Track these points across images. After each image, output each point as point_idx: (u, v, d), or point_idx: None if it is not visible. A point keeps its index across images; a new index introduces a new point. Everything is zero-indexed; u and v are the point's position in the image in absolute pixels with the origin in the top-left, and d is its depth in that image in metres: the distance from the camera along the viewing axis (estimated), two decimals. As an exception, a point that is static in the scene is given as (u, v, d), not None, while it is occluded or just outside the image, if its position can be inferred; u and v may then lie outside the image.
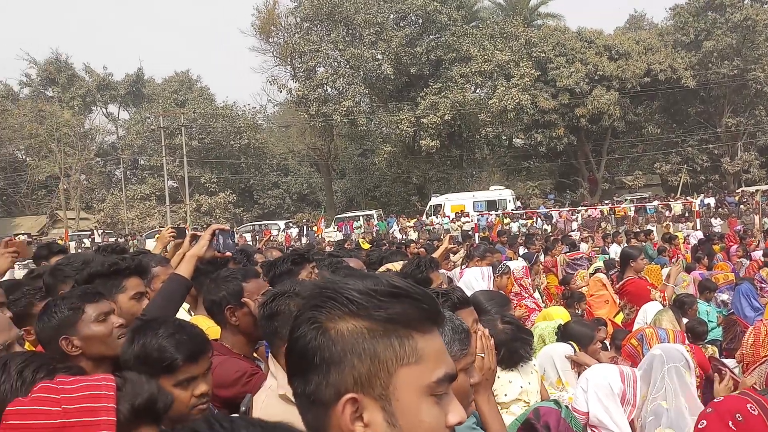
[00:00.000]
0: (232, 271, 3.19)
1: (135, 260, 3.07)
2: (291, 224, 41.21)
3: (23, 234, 41.89)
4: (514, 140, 49.02)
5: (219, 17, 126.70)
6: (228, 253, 2.94)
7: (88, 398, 1.42)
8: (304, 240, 34.87)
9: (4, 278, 4.06)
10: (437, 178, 45.68)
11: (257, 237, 35.11)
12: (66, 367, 1.80)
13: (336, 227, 37.42)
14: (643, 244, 13.14)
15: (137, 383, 1.53)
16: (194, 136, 48.68)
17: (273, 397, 2.16)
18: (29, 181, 51.46)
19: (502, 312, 3.54)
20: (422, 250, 9.49)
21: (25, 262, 11.89)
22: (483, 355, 2.15)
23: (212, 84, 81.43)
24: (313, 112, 41.72)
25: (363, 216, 39.51)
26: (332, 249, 12.25)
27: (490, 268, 5.59)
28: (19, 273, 6.45)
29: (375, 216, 39.33)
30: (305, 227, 38.44)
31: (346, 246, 14.17)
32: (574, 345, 4.04)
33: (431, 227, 33.56)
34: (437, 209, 36.94)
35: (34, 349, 2.92)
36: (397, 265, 4.76)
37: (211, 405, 2.30)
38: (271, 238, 32.51)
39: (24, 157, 53.97)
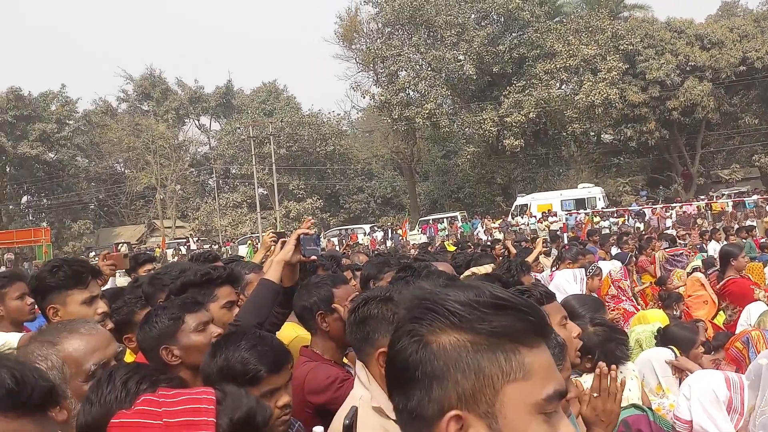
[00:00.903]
0: (322, 277, 3.22)
1: (227, 269, 3.10)
2: (376, 228, 41.50)
3: (123, 243, 44.03)
4: (602, 136, 47.66)
5: (303, 28, 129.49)
6: (313, 257, 2.94)
7: (188, 412, 1.41)
8: (389, 243, 35.03)
9: (107, 286, 4.25)
10: (522, 177, 44.97)
11: (344, 241, 35.59)
12: (167, 378, 1.82)
13: (420, 230, 37.40)
14: (744, 240, 12.49)
15: (236, 396, 1.51)
16: (282, 144, 49.83)
17: (366, 408, 2.10)
18: (128, 192, 54.10)
19: (593, 316, 3.42)
20: (511, 247, 9.32)
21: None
22: (596, 394, 2.06)
23: (298, 93, 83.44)
24: (396, 116, 41.88)
25: (447, 218, 39.32)
26: (417, 252, 12.19)
27: (583, 270, 5.41)
28: (121, 280, 6.73)
29: (459, 218, 39.06)
30: (390, 231, 38.62)
31: (430, 249, 14.08)
32: (675, 349, 3.87)
33: (517, 228, 33.04)
34: (523, 209, 36.34)
35: (135, 356, 3.09)
36: (484, 269, 4.67)
37: (292, 418, 2.28)
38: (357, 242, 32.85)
39: (123, 169, 56.79)
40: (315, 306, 2.92)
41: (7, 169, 52.83)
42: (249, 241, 37.79)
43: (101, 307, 2.88)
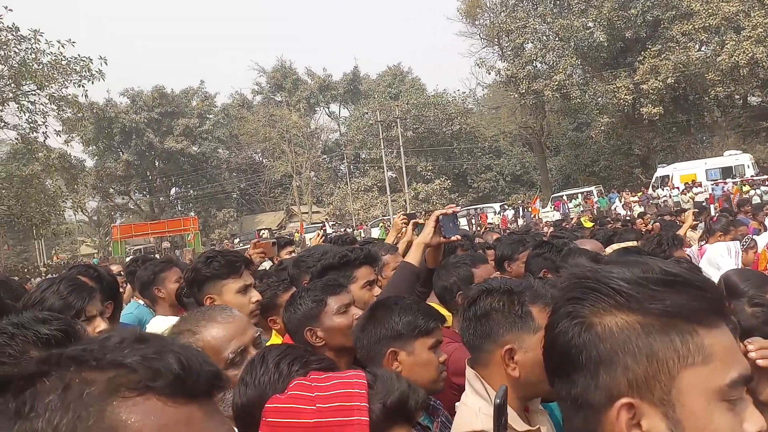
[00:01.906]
0: (461, 256, 3.23)
1: (364, 250, 3.14)
2: (506, 206, 40.89)
3: (265, 229, 46.10)
4: (749, 99, 44.21)
5: (425, 7, 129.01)
6: (454, 238, 2.91)
7: (341, 397, 1.40)
8: (520, 222, 34.43)
9: None
10: (662, 147, 42.65)
11: (473, 221, 35.35)
12: (318, 359, 1.82)
13: (553, 206, 36.44)
14: None
15: (388, 381, 1.47)
16: (409, 126, 50.12)
17: (488, 421, 1.80)
18: (266, 180, 56.54)
19: (755, 294, 3.17)
20: (656, 225, 8.85)
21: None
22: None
23: (422, 74, 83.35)
24: (523, 90, 40.93)
25: (581, 193, 38.04)
26: (551, 230, 11.84)
27: (737, 242, 5.06)
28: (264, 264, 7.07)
29: (595, 192, 37.66)
30: (521, 208, 37.93)
31: (565, 226, 13.67)
32: None
33: (658, 201, 31.41)
34: (664, 181, 34.44)
35: (280, 337, 3.13)
36: (630, 245, 4.44)
37: (432, 398, 2.26)
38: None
39: (261, 159, 59.36)
40: (455, 286, 2.93)
41: (156, 164, 56.65)
42: (380, 224, 38.43)
43: (255, 295, 2.95)
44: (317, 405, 1.38)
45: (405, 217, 4.72)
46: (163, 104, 53.87)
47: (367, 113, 53.68)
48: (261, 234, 43.07)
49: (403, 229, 4.59)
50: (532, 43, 41.79)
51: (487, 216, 37.25)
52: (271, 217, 54.59)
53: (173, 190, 60.00)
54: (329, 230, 39.99)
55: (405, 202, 47.00)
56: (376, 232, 34.67)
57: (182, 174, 56.88)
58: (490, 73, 44.87)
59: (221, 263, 2.93)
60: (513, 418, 1.83)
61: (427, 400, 2.06)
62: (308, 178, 53.91)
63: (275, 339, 3.24)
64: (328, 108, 64.42)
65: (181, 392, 0.79)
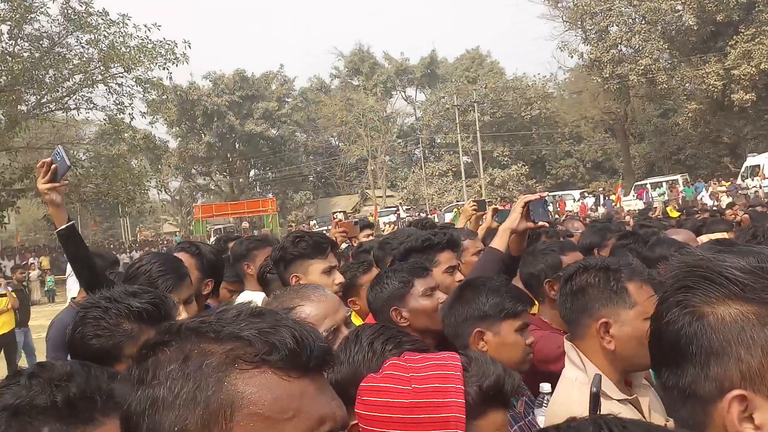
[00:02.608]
0: (549, 243, 3.20)
1: (447, 235, 3.14)
2: (586, 194, 39.94)
3: (340, 212, 46.62)
4: None
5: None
6: (542, 223, 2.86)
7: (437, 378, 1.39)
8: (600, 210, 33.56)
9: None
10: (754, 135, 40.69)
11: (551, 209, 34.69)
12: (412, 340, 1.82)
13: (635, 195, 35.36)
14: None
15: (483, 364, 1.46)
16: (486, 111, 49.56)
17: (584, 391, 1.95)
18: (342, 164, 57.11)
19: None
20: (746, 216, 8.44)
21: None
22: None
23: (501, 57, 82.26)
24: (607, 75, 39.77)
25: (666, 182, 36.75)
26: (634, 219, 11.50)
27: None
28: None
29: (680, 181, 36.31)
30: (602, 196, 36.97)
31: (651, 215, 13.28)
32: None
33: (748, 191, 30.00)
34: (754, 170, 32.83)
35: (360, 319, 3.16)
36: (720, 236, 4.24)
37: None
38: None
39: (337, 142, 59.96)
40: (542, 273, 2.89)
41: (237, 146, 58.03)
42: (455, 209, 38.24)
43: (338, 278, 2.99)
44: (413, 385, 1.38)
45: (475, 203, 4.71)
46: (243, 88, 55.05)
47: (443, 97, 53.38)
48: (335, 217, 43.72)
49: (473, 216, 4.65)
50: (617, 26, 40.53)
51: (565, 203, 36.48)
52: (346, 200, 55.14)
53: (252, 172, 61.38)
54: (403, 215, 40.12)
55: (480, 187, 46.58)
56: (449, 218, 34.52)
57: (261, 156, 58.08)
58: (572, 57, 43.88)
59: (308, 243, 2.98)
60: (610, 387, 1.90)
61: None
62: (383, 162, 54.12)
63: (354, 320, 3.20)
64: (405, 92, 64.48)
65: (295, 366, 0.81)
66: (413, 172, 54.88)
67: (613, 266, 1.99)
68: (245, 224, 41.74)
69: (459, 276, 2.94)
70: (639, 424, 0.81)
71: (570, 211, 32.66)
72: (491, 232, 4.18)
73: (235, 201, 48.46)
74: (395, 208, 45.36)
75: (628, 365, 1.94)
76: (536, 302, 3.03)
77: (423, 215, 35.88)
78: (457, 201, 45.05)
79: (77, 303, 3.78)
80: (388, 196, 53.49)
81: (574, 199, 38.41)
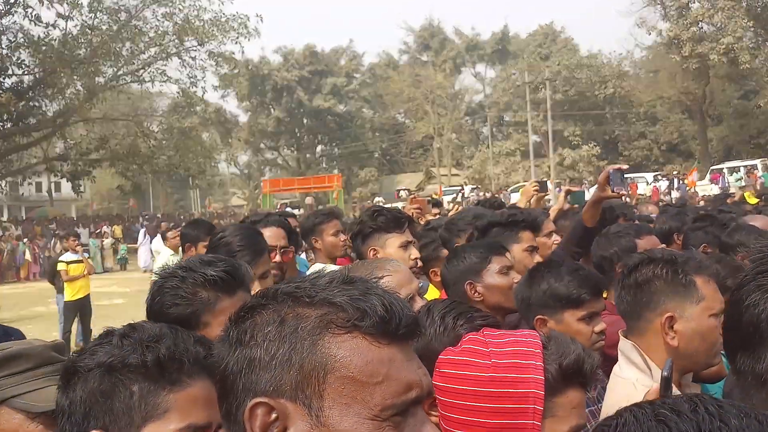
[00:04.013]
0: (624, 226, 3.13)
1: (530, 214, 3.23)
2: (660, 177, 38.66)
3: (404, 190, 46.55)
4: None
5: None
6: (622, 192, 2.96)
7: (516, 354, 1.41)
8: (674, 194, 32.42)
9: None
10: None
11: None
12: (482, 315, 1.83)
13: (711, 179, 34.06)
14: None
15: (562, 343, 1.45)
16: (558, 88, 48.48)
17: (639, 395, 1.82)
18: (408, 141, 56.94)
19: None
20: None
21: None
22: None
23: (576, 34, 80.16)
24: (687, 53, 38.21)
25: (744, 167, 35.21)
26: (708, 204, 11.10)
27: None
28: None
29: (759, 166, 34.71)
30: (676, 180, 35.72)
31: (728, 201, 12.85)
32: None
33: (835, 178, 28.43)
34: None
35: (438, 291, 3.26)
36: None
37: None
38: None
39: (403, 119, 59.80)
40: (615, 256, 2.82)
41: (305, 121, 58.61)
42: (521, 189, 37.63)
43: (414, 253, 3.06)
44: (493, 360, 1.40)
45: (537, 184, 4.70)
46: (313, 63, 55.43)
47: (514, 74, 52.51)
48: (399, 194, 43.68)
49: (534, 197, 4.69)
50: (698, 2, 38.86)
51: (637, 186, 35.39)
52: (411, 178, 55.04)
53: (319, 148, 61.99)
54: (467, 194, 39.76)
55: (549, 168, 45.72)
56: (516, 198, 33.97)
57: (328, 132, 58.52)
58: (650, 34, 42.35)
59: (387, 218, 3.08)
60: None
61: None
62: (449, 140, 53.69)
63: (433, 292, 3.34)
64: (474, 68, 63.66)
65: (385, 333, 0.84)
66: (480, 150, 54.34)
67: (680, 259, 1.92)
68: (309, 199, 42.22)
69: (537, 257, 2.96)
70: (733, 405, 0.78)
71: (642, 195, 31.68)
72: (563, 213, 4.31)
73: (302, 176, 49.05)
74: (460, 187, 45.00)
75: (688, 363, 1.87)
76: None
77: (487, 195, 35.49)
78: (524, 181, 44.33)
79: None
80: (453, 175, 53.11)
81: (647, 182, 37.24)
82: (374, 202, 43.18)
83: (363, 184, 56.25)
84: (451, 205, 28.73)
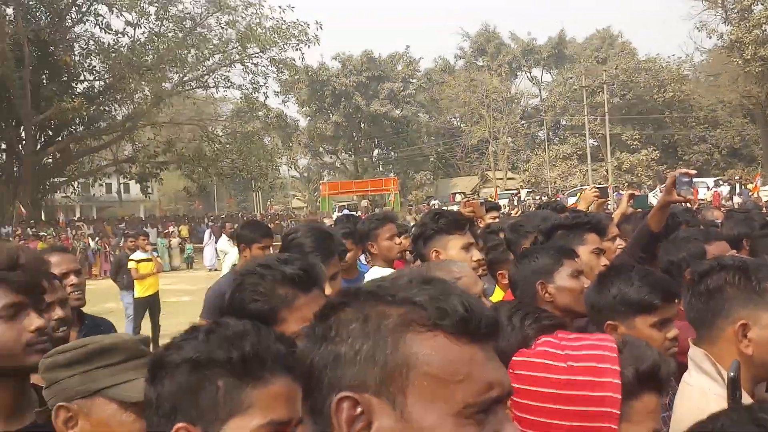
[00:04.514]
0: (692, 231, 3.13)
1: (594, 217, 3.18)
2: (721, 182, 37.90)
3: (459, 193, 46.73)
4: None
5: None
6: (689, 197, 2.98)
7: (592, 357, 1.39)
8: (736, 199, 31.83)
9: None
10: None
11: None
12: (550, 316, 1.84)
13: (775, 184, 33.25)
14: None
15: (638, 347, 1.45)
16: (615, 92, 47.96)
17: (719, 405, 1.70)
18: (463, 145, 57.02)
19: None
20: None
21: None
22: None
23: (634, 38, 78.84)
24: (749, 56, 37.40)
25: (812, 172, 34.30)
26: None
27: None
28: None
29: (825, 171, 33.79)
30: (738, 185, 35.00)
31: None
32: None
33: None
34: None
35: (503, 292, 3.32)
36: None
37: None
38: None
39: (459, 123, 59.88)
40: (684, 262, 2.75)
41: (362, 126, 59.17)
42: (578, 194, 37.30)
43: (476, 254, 3.07)
44: (569, 363, 1.39)
45: (597, 190, 4.63)
46: (370, 68, 55.97)
47: (571, 78, 52.06)
48: (455, 198, 43.83)
49: (594, 203, 4.56)
50: (762, 4, 37.95)
51: (698, 191, 34.82)
52: (466, 182, 55.07)
53: (376, 152, 62.47)
54: (523, 197, 39.71)
55: (606, 172, 45.20)
56: (572, 202, 33.80)
57: (385, 136, 58.94)
58: (710, 38, 41.56)
59: (448, 220, 3.08)
60: (744, 397, 1.74)
61: None
62: (505, 144, 53.56)
63: (498, 294, 3.40)
64: (530, 72, 63.36)
65: (466, 332, 0.86)
66: (536, 154, 53.93)
67: (752, 266, 1.88)
68: (365, 202, 42.75)
69: (604, 260, 2.89)
70: None
71: (703, 200, 31.22)
72: (626, 218, 4.23)
73: (359, 179, 49.60)
74: (516, 191, 44.94)
75: (763, 372, 1.82)
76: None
77: (544, 198, 35.45)
78: (581, 185, 43.99)
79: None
80: (508, 179, 52.97)
81: (708, 187, 36.57)
82: (430, 205, 43.53)
83: (418, 187, 56.52)
84: (508, 208, 28.89)
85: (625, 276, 2.16)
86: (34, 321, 1.62)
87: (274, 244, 4.34)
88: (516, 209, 28.22)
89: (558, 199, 38.08)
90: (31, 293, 1.65)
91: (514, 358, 1.46)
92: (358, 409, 0.84)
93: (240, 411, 1.12)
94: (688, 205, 4.64)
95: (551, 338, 1.48)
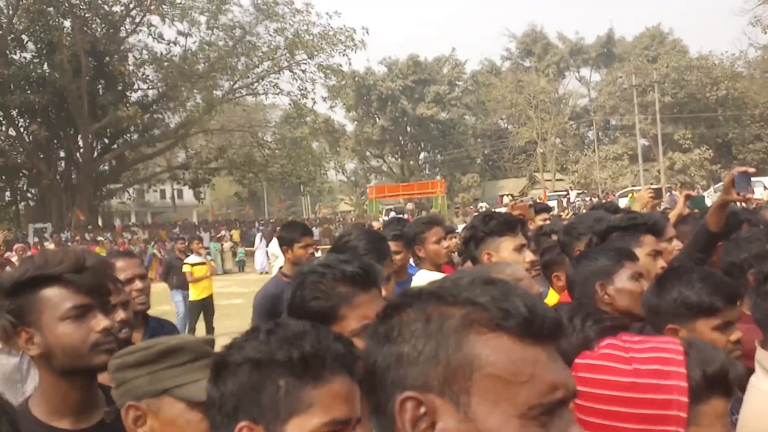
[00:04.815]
0: (756, 231, 3.08)
1: (651, 218, 3.13)
2: (779, 181, 36.80)
3: (507, 195, 46.43)
4: None
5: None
6: (748, 196, 2.95)
7: (658, 360, 1.37)
8: (795, 199, 30.85)
9: None
10: None
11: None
12: (611, 318, 1.82)
13: (835, 184, 32.07)
14: None
15: (704, 350, 1.42)
16: (666, 91, 46.99)
17: None
18: (510, 146, 56.62)
19: None
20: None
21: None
22: None
23: (685, 35, 77.15)
24: (808, 52, 36.29)
25: None
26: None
27: None
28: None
29: None
30: (797, 184, 33.93)
31: None
32: None
33: None
34: None
35: (558, 295, 3.32)
36: None
37: None
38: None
39: (506, 125, 59.51)
40: (746, 263, 2.73)
41: (408, 129, 59.29)
42: (630, 194, 36.80)
43: (529, 255, 3.05)
44: (634, 365, 1.36)
45: (652, 191, 4.55)
46: (416, 72, 56.04)
47: (620, 77, 51.24)
48: (503, 200, 43.56)
49: (649, 204, 4.48)
50: (821, -3, 36.80)
51: (754, 191, 33.87)
52: (514, 183, 54.64)
53: (422, 155, 62.48)
54: (573, 199, 39.17)
55: (658, 172, 44.36)
56: (623, 203, 33.27)
57: (431, 139, 58.88)
58: (765, 33, 40.34)
59: (499, 221, 3.08)
60: None
61: None
62: (553, 145, 53.00)
63: (553, 296, 3.40)
64: (579, 72, 62.55)
65: (529, 333, 0.85)
66: (585, 155, 53.20)
67: None
68: (410, 205, 42.82)
69: (661, 262, 2.84)
70: None
71: (760, 200, 30.37)
72: (683, 218, 4.17)
73: (405, 182, 49.67)
74: (565, 192, 44.40)
75: None
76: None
77: (594, 200, 34.97)
78: (633, 186, 43.24)
79: (283, 272, 4.22)
80: (557, 180, 52.36)
81: (765, 187, 35.53)
82: (477, 207, 43.34)
83: (465, 189, 56.30)
84: (558, 210, 28.56)
85: (685, 278, 2.11)
86: (100, 322, 1.66)
87: (323, 247, 4.40)
88: (566, 211, 27.88)
89: (608, 200, 37.55)
90: (97, 295, 1.69)
91: (576, 360, 1.44)
92: (422, 409, 0.85)
93: (301, 410, 1.13)
94: (745, 204, 4.56)
95: (615, 340, 1.45)
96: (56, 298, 1.64)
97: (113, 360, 1.51)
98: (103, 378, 1.68)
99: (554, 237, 4.00)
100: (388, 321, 0.91)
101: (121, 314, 2.42)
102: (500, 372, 0.83)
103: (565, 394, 0.85)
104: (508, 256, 2.95)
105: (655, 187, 5.21)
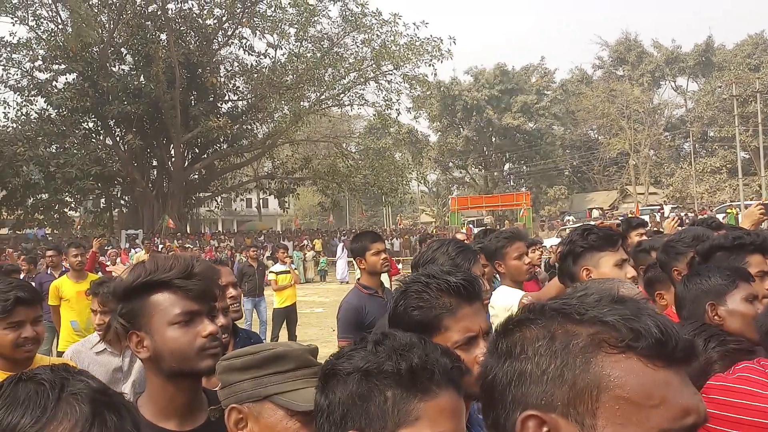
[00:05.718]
0: None
1: (758, 236, 2.92)
2: None
3: (597, 209, 45.03)
4: None
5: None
6: None
7: None
8: None
9: None
10: None
11: None
12: (736, 340, 1.76)
13: None
14: None
15: None
16: (774, 101, 44.56)
17: None
18: (601, 158, 55.03)
19: None
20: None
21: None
22: None
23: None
24: None
25: None
26: None
27: None
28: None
29: None
30: None
31: None
32: None
33: None
34: None
35: (661, 311, 3.18)
36: None
37: None
38: None
39: (596, 135, 57.94)
40: None
41: (493, 139, 58.73)
42: (728, 210, 34.93)
43: (630, 271, 2.90)
44: None
45: (763, 207, 4.31)
46: (503, 81, 55.53)
47: (720, 87, 48.97)
48: (591, 214, 42.28)
49: (760, 220, 4.27)
50: None
51: None
52: (604, 197, 53.09)
53: (507, 166, 61.73)
54: (667, 213, 37.55)
55: (759, 187, 42.00)
56: (720, 218, 31.58)
57: (516, 150, 58.16)
58: None
59: (598, 236, 2.94)
60: None
61: None
62: (647, 157, 51.14)
63: None
64: (675, 82, 60.24)
65: (660, 356, 0.82)
66: (681, 167, 51.19)
67: None
68: (489, 218, 42.11)
69: None
70: None
71: None
72: None
73: (489, 194, 49.08)
74: (659, 207, 42.67)
75: None
76: None
77: (690, 215, 33.36)
78: (731, 201, 41.13)
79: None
80: (650, 194, 50.47)
81: None
82: (564, 220, 42.17)
83: (552, 202, 55.12)
84: (651, 224, 27.36)
85: None
86: (207, 327, 1.70)
87: (405, 258, 4.29)
88: (671, 224, 26.60)
89: (704, 215, 35.75)
90: (204, 301, 1.73)
91: (709, 382, 1.42)
92: (545, 429, 0.83)
93: (408, 422, 1.12)
94: None
95: (752, 364, 1.43)
96: (166, 303, 1.69)
97: (221, 362, 1.57)
98: (206, 382, 1.78)
99: (653, 254, 3.82)
100: (509, 337, 0.90)
101: (221, 320, 2.43)
102: (630, 394, 0.81)
103: (696, 420, 0.83)
104: (608, 271, 2.83)
105: (766, 203, 4.76)
